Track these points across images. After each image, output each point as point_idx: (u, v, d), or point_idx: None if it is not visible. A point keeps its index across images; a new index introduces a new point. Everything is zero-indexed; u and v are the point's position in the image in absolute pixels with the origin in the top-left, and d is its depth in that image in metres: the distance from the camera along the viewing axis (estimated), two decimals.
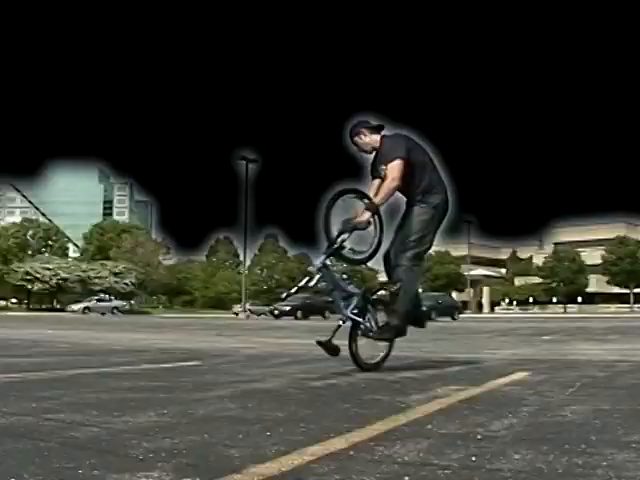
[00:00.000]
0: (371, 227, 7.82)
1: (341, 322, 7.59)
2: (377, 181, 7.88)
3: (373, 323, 7.84)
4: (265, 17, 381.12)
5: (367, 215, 7.58)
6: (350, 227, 7.50)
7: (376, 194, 7.72)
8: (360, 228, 7.58)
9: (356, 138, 8.12)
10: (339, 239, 7.44)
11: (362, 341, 7.67)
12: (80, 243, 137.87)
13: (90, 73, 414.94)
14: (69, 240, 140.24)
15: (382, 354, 7.93)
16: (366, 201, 7.72)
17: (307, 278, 7.54)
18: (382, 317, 7.88)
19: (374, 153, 8.16)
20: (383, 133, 8.16)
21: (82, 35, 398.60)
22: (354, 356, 7.61)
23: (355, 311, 7.63)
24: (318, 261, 7.46)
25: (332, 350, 7.38)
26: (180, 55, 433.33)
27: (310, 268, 7.64)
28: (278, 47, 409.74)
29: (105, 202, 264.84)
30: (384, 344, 7.92)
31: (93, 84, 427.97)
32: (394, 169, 7.64)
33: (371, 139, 8.08)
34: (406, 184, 7.77)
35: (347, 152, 8.44)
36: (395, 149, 7.81)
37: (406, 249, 7.76)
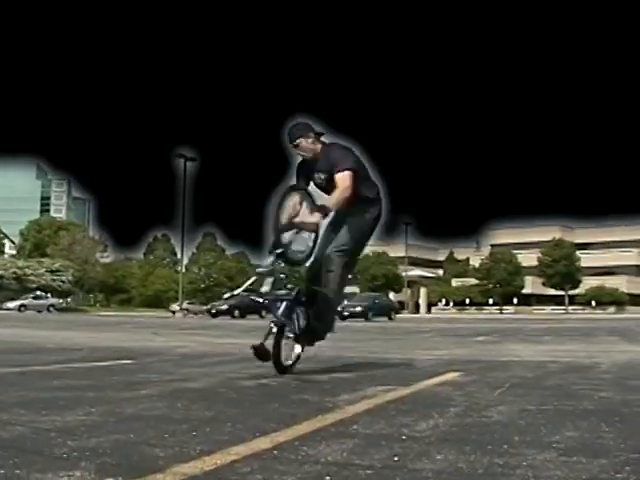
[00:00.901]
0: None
1: (273, 325, 7.29)
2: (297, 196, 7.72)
3: (298, 325, 7.56)
4: (202, 14, 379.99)
5: (316, 218, 7.42)
6: (297, 227, 7.43)
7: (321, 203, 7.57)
8: (307, 229, 7.52)
9: (300, 140, 7.79)
10: (286, 238, 7.35)
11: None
12: (17, 240, 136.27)
13: (30, 69, 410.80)
14: (5, 236, 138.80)
15: (295, 355, 7.66)
16: (310, 202, 7.65)
17: (253, 279, 7.51)
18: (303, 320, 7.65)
19: (301, 160, 8.03)
20: (323, 140, 7.93)
21: (20, 29, 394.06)
22: (277, 359, 7.29)
23: (286, 312, 7.39)
24: (267, 262, 7.25)
25: (263, 354, 7.07)
26: (119, 53, 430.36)
27: (259, 269, 7.38)
28: (216, 46, 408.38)
29: (42, 199, 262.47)
30: (298, 346, 7.72)
31: (32, 80, 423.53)
32: (346, 179, 7.51)
33: (314, 145, 7.82)
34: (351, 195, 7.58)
35: (284, 151, 8.25)
36: (346, 160, 7.66)
37: (340, 256, 7.67)
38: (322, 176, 7.79)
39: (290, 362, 7.54)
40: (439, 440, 3.79)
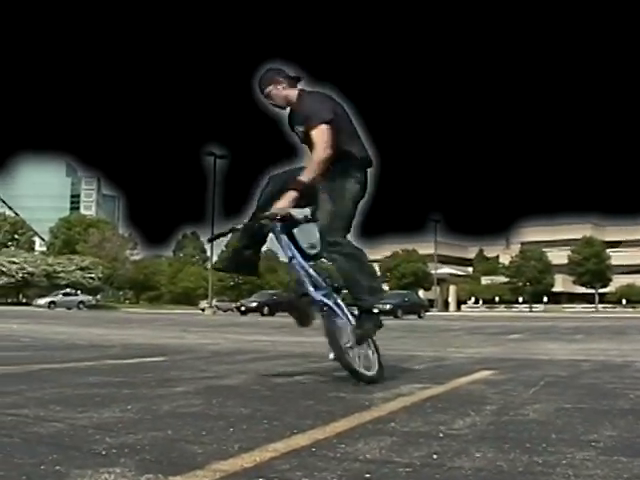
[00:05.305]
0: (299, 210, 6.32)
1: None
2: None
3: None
4: (234, 11, 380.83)
5: (291, 195, 6.19)
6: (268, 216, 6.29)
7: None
8: (282, 215, 6.22)
9: (270, 88, 6.66)
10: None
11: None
12: (47, 237, 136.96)
13: (58, 67, 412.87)
14: (36, 234, 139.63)
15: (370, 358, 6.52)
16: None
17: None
18: None
19: (288, 109, 6.83)
20: (301, 87, 6.76)
21: (48, 28, 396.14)
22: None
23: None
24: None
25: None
26: (148, 50, 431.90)
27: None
28: (243, 41, 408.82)
29: (72, 196, 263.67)
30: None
31: (61, 78, 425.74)
32: (323, 135, 6.25)
33: (288, 92, 6.66)
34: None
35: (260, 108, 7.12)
36: (321, 110, 6.39)
37: (337, 230, 6.35)
38: (300, 129, 6.62)
39: (373, 372, 6.42)
40: (477, 438, 3.77)
